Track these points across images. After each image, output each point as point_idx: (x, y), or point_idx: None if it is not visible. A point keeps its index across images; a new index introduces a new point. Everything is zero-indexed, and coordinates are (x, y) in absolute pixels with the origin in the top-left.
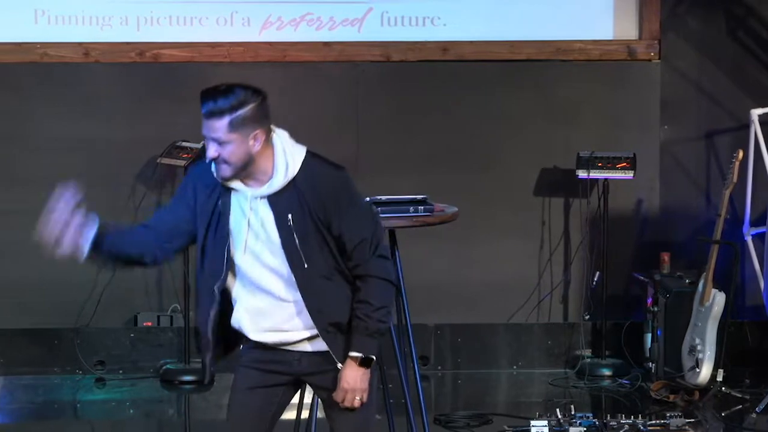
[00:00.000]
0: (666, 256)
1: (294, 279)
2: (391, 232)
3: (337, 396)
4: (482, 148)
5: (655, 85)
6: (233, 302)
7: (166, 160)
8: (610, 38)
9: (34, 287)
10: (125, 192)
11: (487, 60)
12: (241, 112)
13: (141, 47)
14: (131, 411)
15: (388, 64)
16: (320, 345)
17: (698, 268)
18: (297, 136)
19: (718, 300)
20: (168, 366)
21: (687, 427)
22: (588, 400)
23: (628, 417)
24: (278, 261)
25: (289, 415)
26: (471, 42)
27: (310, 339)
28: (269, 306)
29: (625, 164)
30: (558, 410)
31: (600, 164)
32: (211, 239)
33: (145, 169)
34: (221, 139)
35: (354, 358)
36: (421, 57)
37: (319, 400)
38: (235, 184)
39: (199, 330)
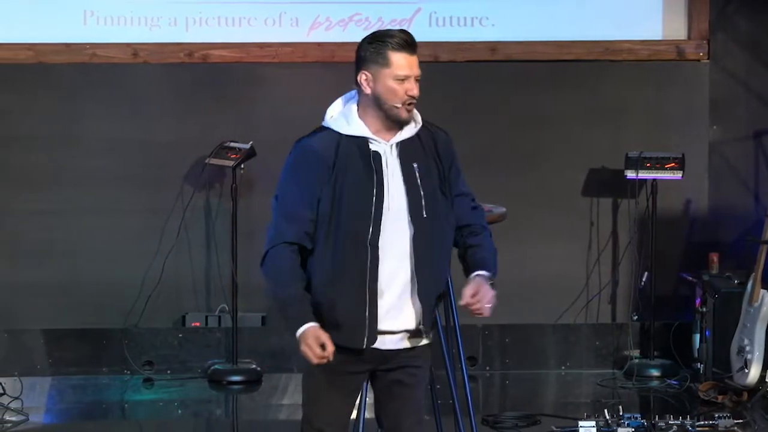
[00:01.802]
0: (715, 257)
1: (412, 233)
2: None
3: (479, 295)
4: (530, 149)
5: (703, 85)
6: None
7: (214, 161)
8: (659, 38)
9: (83, 288)
10: (173, 193)
11: (535, 60)
12: None
13: (189, 48)
14: (179, 411)
15: (436, 64)
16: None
17: (747, 268)
18: None
19: (767, 301)
20: (216, 366)
21: (735, 428)
22: (636, 400)
23: (676, 418)
24: (403, 217)
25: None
26: (519, 42)
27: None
28: (398, 276)
29: (673, 164)
30: (606, 411)
31: (648, 164)
32: (356, 200)
33: (192, 169)
34: (418, 76)
35: (483, 276)
36: (469, 57)
37: (378, 386)
38: (371, 134)
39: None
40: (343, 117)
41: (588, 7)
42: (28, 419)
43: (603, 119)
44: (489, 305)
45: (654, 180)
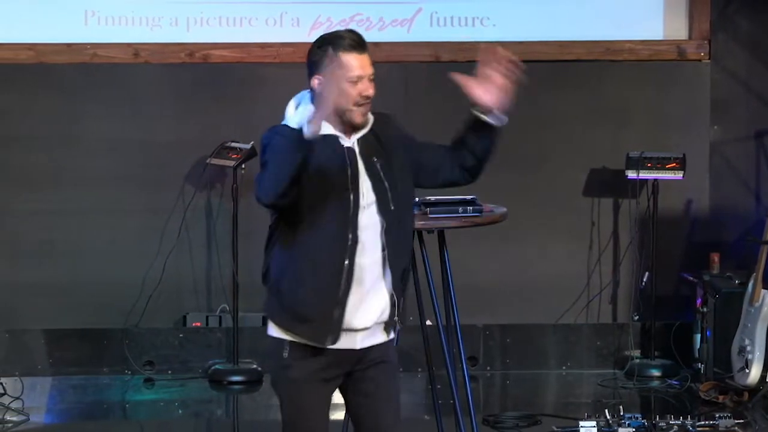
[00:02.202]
0: (715, 257)
1: (384, 227)
2: (440, 233)
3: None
4: (531, 149)
5: (704, 85)
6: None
7: (215, 161)
8: (660, 38)
9: (84, 288)
10: (174, 193)
11: (536, 60)
12: None
13: (191, 48)
14: (180, 411)
15: (438, 64)
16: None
17: (748, 268)
18: None
19: (767, 301)
20: (217, 366)
21: (736, 428)
22: (637, 400)
23: (677, 418)
24: (372, 212)
25: (337, 415)
26: (520, 42)
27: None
28: (369, 274)
29: (674, 165)
30: (607, 411)
31: (649, 165)
32: (331, 201)
33: (193, 169)
34: (373, 76)
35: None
36: (471, 57)
37: (351, 386)
38: (337, 132)
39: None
40: (302, 115)
41: (589, 7)
42: (29, 419)
43: (604, 119)
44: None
45: (655, 180)
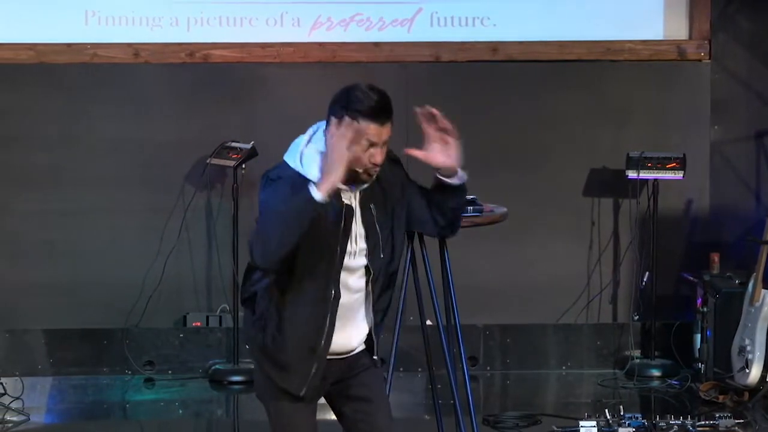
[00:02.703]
0: (716, 257)
1: (371, 272)
2: None
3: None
4: (531, 149)
5: (705, 85)
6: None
7: (215, 161)
8: (660, 38)
9: (84, 288)
10: (174, 192)
11: (537, 60)
12: None
13: (191, 48)
14: (180, 411)
15: (438, 64)
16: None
17: (748, 268)
18: None
19: (767, 300)
20: (217, 366)
21: (736, 428)
22: (637, 400)
23: (677, 418)
24: (361, 261)
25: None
26: (520, 42)
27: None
28: (351, 321)
29: (674, 164)
30: (607, 411)
31: (650, 165)
32: (317, 251)
33: (194, 169)
34: (386, 140)
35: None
36: (471, 57)
37: (339, 395)
38: (342, 185)
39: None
40: (314, 163)
41: (589, 7)
42: (29, 419)
43: (604, 119)
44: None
45: (655, 180)
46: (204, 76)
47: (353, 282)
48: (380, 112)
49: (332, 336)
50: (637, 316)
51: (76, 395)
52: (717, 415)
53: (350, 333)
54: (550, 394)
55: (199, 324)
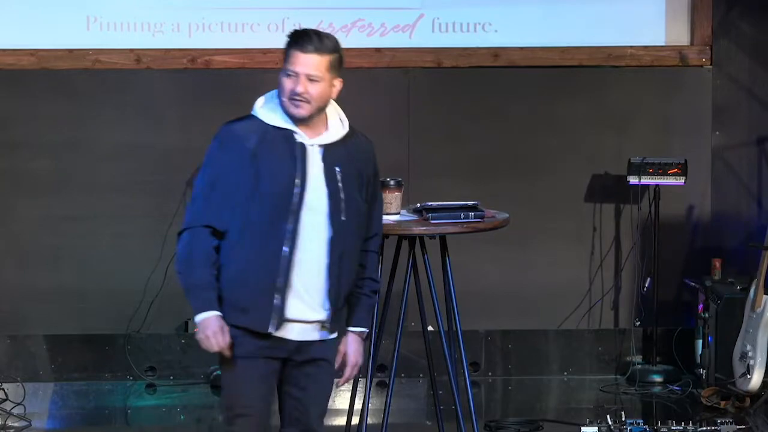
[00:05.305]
0: (717, 262)
1: (330, 234)
2: (442, 239)
3: (346, 372)
4: (533, 154)
5: (706, 90)
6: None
7: None
8: (662, 44)
9: (86, 293)
10: (176, 198)
11: (538, 66)
12: (337, 55)
13: (193, 53)
14: (182, 417)
15: (439, 70)
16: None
17: (750, 274)
18: None
19: None
20: (218, 372)
21: None
22: (639, 406)
23: (678, 423)
24: (322, 216)
25: (339, 420)
26: (522, 48)
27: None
28: (310, 272)
29: (676, 170)
30: (608, 416)
31: (651, 170)
32: (274, 188)
33: (196, 174)
34: (316, 76)
35: (360, 333)
36: (472, 63)
37: (288, 376)
38: (296, 128)
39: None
40: (269, 107)
41: (591, 13)
42: (31, 425)
43: (606, 125)
44: (351, 375)
45: (657, 186)
46: (206, 82)
47: (313, 240)
48: (303, 37)
49: (290, 275)
50: (639, 322)
51: (77, 401)
52: (719, 421)
53: (311, 296)
54: (551, 399)
55: None
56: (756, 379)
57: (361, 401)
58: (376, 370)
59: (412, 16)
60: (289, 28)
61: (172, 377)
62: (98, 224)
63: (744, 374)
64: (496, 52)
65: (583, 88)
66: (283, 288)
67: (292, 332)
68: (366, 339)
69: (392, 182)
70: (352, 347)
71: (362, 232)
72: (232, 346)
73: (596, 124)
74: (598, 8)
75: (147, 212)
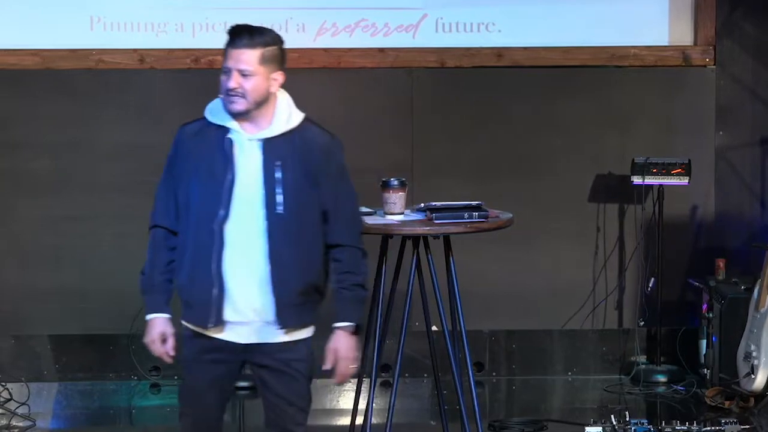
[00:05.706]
0: (721, 263)
1: (266, 227)
2: (446, 239)
3: (339, 368)
4: (536, 154)
5: (710, 90)
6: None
7: None
8: (665, 44)
9: (90, 293)
10: None
11: (542, 66)
12: (271, 48)
13: (196, 54)
14: None
15: (443, 70)
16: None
17: (753, 274)
18: (351, 142)
19: None
20: None
21: None
22: (643, 406)
23: (683, 423)
24: (255, 209)
25: (343, 420)
26: (525, 48)
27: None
28: (247, 267)
29: (680, 170)
30: (613, 416)
31: (655, 170)
32: (207, 183)
33: None
34: (248, 71)
35: (346, 328)
36: (476, 63)
37: (259, 379)
38: (234, 124)
39: (196, 278)
40: (215, 106)
41: (594, 13)
42: (35, 425)
43: (609, 125)
44: (346, 372)
45: (660, 186)
46: (209, 82)
47: (248, 233)
48: (234, 34)
49: (222, 262)
50: (643, 322)
51: (82, 401)
52: (723, 421)
53: (253, 300)
54: (555, 399)
55: None
56: (760, 379)
57: (365, 401)
58: (380, 370)
59: (416, 16)
60: (293, 29)
61: (176, 377)
62: (100, 224)
63: (748, 374)
64: (499, 52)
65: (586, 88)
66: (219, 280)
67: (234, 334)
68: (358, 333)
69: (396, 182)
70: (340, 343)
71: (317, 227)
72: (179, 348)
73: (600, 124)
74: (601, 8)
75: (148, 212)
